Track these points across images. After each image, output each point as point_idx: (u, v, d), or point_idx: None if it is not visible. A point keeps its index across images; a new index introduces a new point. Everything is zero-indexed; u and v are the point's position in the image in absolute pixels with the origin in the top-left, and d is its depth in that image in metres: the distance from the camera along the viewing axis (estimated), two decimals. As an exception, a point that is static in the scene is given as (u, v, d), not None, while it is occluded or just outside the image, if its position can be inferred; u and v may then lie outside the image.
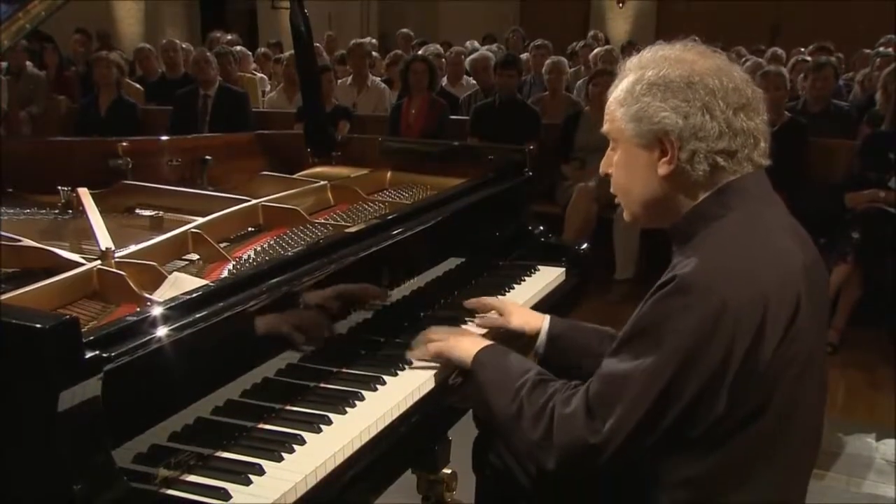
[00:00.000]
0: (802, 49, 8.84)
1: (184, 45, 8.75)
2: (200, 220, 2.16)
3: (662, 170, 1.49)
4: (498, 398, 1.60)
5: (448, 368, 1.83)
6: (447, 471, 2.65)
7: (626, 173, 1.56)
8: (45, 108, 8.22)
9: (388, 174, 2.84)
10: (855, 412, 4.03)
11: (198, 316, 1.51)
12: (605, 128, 1.59)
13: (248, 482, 1.43)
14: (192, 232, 2.07)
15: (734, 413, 1.41)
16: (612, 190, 1.63)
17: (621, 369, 1.42)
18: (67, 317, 1.26)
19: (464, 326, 2.07)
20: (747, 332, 1.36)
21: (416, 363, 1.87)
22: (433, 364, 1.85)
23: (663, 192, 1.52)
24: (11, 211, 2.46)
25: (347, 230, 2.06)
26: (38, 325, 1.23)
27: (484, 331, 2.03)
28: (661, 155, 1.49)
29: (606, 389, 1.43)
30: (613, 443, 1.40)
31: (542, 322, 1.97)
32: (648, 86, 1.48)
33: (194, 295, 1.57)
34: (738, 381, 1.38)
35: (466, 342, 1.77)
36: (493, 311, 2.09)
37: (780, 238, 1.47)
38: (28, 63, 8.67)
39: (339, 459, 1.55)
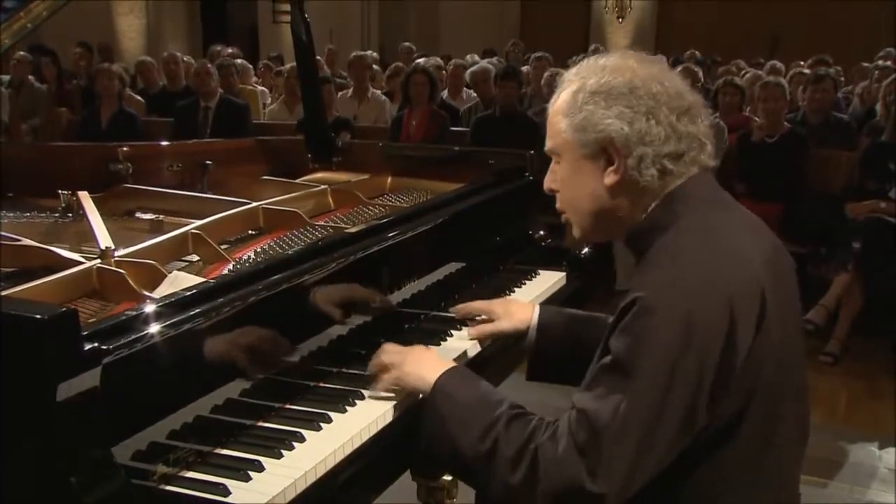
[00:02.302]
0: (801, 62, 8.88)
1: (185, 58, 8.78)
2: (200, 221, 2.16)
3: (609, 179, 1.46)
4: (465, 434, 1.46)
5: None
6: (447, 477, 2.64)
7: (573, 186, 1.53)
8: (46, 121, 8.24)
9: (389, 179, 2.84)
10: (857, 422, 4.03)
11: (197, 311, 1.50)
12: (548, 145, 1.55)
13: (247, 478, 1.42)
14: (192, 233, 2.06)
15: (717, 420, 1.38)
16: (558, 206, 1.59)
17: (602, 409, 1.33)
18: (66, 309, 1.26)
19: (458, 333, 2.05)
20: (718, 337, 1.33)
21: None
22: None
23: (612, 203, 1.49)
24: (11, 214, 2.46)
25: (347, 231, 2.05)
26: (38, 316, 1.22)
27: (469, 344, 1.99)
28: (608, 164, 1.46)
29: (592, 431, 1.33)
30: (615, 486, 1.33)
31: (532, 314, 1.94)
32: (591, 94, 1.45)
33: (194, 291, 1.56)
34: (716, 388, 1.35)
35: (423, 367, 1.63)
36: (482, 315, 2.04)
37: (732, 238, 1.43)
38: (30, 77, 8.71)
39: (340, 457, 1.54)
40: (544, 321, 1.93)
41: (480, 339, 2.01)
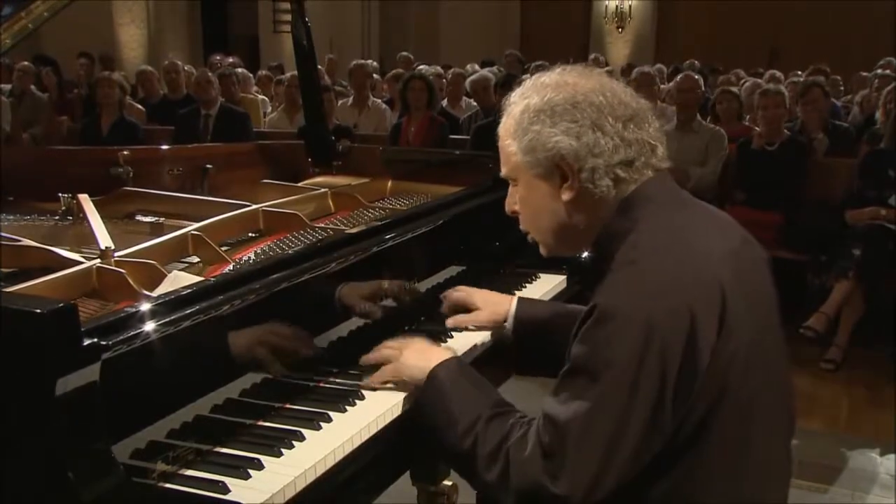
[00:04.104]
0: (799, 72, 8.90)
1: (186, 67, 8.80)
2: (201, 223, 2.16)
3: (566, 195, 1.48)
4: (451, 430, 1.50)
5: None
6: (447, 482, 2.63)
7: (532, 207, 1.55)
8: (46, 130, 8.26)
9: (389, 183, 2.84)
10: (858, 429, 4.02)
11: (197, 309, 1.50)
12: (503, 170, 1.57)
13: (246, 476, 1.42)
14: (192, 234, 2.06)
15: (686, 424, 1.38)
16: (521, 227, 1.61)
17: (565, 413, 1.36)
18: (66, 303, 1.25)
19: (458, 335, 2.04)
20: (679, 341, 1.33)
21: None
22: None
23: (571, 218, 1.51)
24: (12, 217, 2.46)
25: (348, 232, 2.05)
26: (38, 310, 1.22)
27: (469, 344, 1.99)
28: (562, 181, 1.48)
29: (556, 435, 1.36)
30: (579, 489, 1.34)
31: (510, 307, 1.96)
32: (535, 113, 1.47)
33: (194, 289, 1.56)
34: (681, 390, 1.34)
35: (421, 357, 1.66)
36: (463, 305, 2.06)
37: (692, 237, 1.44)
38: (31, 86, 8.74)
39: (339, 456, 1.54)
40: (522, 314, 1.95)
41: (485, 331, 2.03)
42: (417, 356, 1.67)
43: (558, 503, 1.35)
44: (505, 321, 1.97)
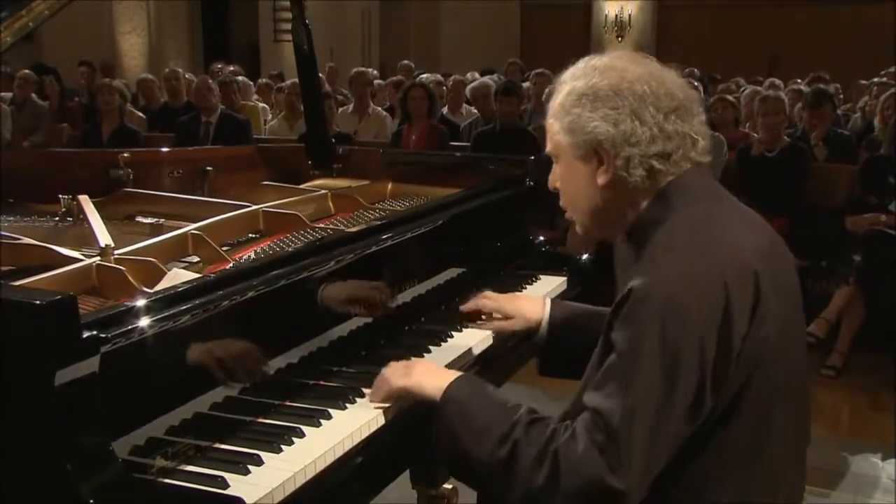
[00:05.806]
0: (799, 80, 8.91)
1: (186, 75, 8.82)
2: (201, 223, 2.15)
3: (601, 179, 1.50)
4: (482, 442, 1.44)
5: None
6: (448, 486, 2.62)
7: (570, 186, 1.57)
8: (47, 137, 8.27)
9: (389, 185, 2.84)
10: (860, 434, 4.02)
11: (197, 303, 1.50)
12: (547, 147, 1.59)
13: (246, 471, 1.41)
14: (192, 234, 2.06)
15: (718, 405, 1.39)
16: (561, 203, 1.63)
17: (612, 406, 1.35)
18: (65, 295, 1.25)
19: (458, 335, 2.04)
20: (714, 321, 1.34)
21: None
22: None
23: (605, 203, 1.52)
24: (12, 218, 2.45)
25: (348, 231, 2.05)
26: (37, 302, 1.22)
27: (471, 343, 2.00)
28: (599, 165, 1.50)
29: (607, 429, 1.34)
30: (634, 480, 1.33)
31: (543, 309, 1.97)
32: (577, 97, 1.49)
33: (194, 284, 1.56)
34: (717, 371, 1.36)
35: (431, 377, 1.60)
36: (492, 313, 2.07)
37: (727, 230, 1.45)
38: (32, 94, 8.76)
39: (339, 452, 1.53)
40: (555, 316, 1.96)
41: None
42: (427, 377, 1.60)
43: (616, 496, 1.33)
44: (537, 325, 1.97)
